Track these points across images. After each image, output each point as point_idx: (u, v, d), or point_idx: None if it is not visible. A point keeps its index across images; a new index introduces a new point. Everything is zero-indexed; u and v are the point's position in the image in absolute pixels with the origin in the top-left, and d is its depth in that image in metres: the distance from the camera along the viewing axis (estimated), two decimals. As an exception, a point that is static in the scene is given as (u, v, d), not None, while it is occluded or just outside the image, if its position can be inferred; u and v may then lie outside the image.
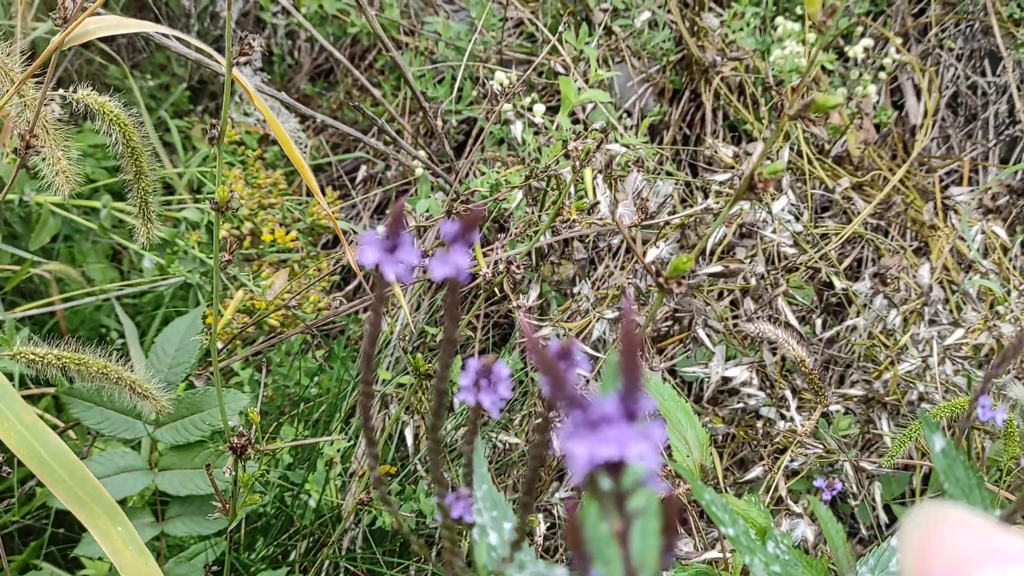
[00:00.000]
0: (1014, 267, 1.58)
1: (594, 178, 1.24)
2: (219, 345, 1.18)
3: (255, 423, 0.65)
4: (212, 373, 1.01)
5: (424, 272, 1.15)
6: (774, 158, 1.33)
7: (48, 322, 1.53)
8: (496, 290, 1.51)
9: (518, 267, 0.70)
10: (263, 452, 0.62)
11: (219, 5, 1.92)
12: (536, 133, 1.44)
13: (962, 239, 1.49)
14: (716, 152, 1.39)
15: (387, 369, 1.36)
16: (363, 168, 1.91)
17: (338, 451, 1.15)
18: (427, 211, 1.21)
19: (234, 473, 0.62)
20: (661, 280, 0.46)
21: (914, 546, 0.23)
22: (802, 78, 0.50)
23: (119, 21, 0.67)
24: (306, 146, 1.77)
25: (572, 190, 1.19)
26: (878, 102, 1.91)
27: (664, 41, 1.82)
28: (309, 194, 1.58)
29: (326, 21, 2.04)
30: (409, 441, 1.29)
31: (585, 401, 0.24)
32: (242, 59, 0.60)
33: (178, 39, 0.87)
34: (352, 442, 1.23)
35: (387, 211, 1.70)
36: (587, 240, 1.34)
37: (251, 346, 1.18)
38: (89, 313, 1.56)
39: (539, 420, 0.37)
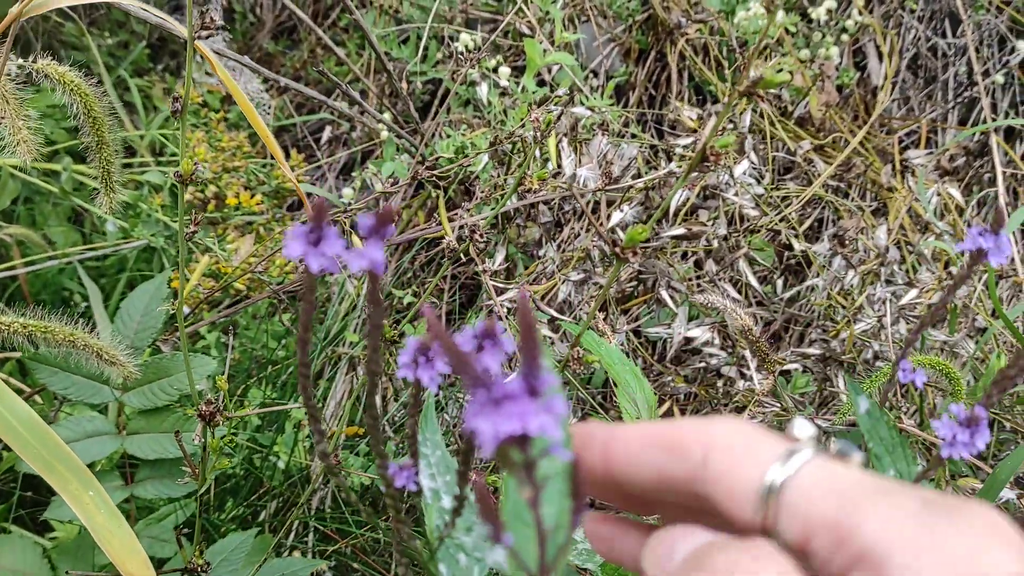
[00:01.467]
0: (968, 227, 1.61)
1: (559, 142, 1.25)
2: (185, 310, 1.18)
3: (223, 390, 0.66)
4: (179, 338, 1.02)
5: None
6: (736, 121, 1.34)
7: (10, 286, 1.52)
8: (461, 254, 1.52)
9: (481, 235, 0.71)
10: (231, 418, 0.63)
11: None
12: (502, 95, 1.44)
13: (919, 200, 1.52)
14: (680, 116, 1.40)
15: (354, 331, 1.37)
16: (328, 129, 1.89)
17: (306, 414, 1.16)
18: (392, 174, 1.22)
19: (203, 440, 0.63)
20: (618, 250, 0.47)
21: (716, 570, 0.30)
22: (758, 41, 0.51)
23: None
24: (270, 107, 1.76)
25: (538, 153, 1.19)
26: (840, 64, 1.92)
27: (629, 1, 1.82)
28: (274, 156, 1.57)
29: (288, -22, 2.01)
30: (378, 402, 1.30)
31: (489, 380, 0.26)
32: (203, 33, 0.60)
33: (142, 8, 0.86)
34: (320, 404, 1.24)
35: (353, 173, 1.70)
36: (552, 203, 1.35)
37: (217, 310, 1.19)
38: (52, 276, 1.54)
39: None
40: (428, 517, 0.51)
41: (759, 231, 1.36)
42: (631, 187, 1.18)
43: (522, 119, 1.14)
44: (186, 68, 0.60)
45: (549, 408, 0.26)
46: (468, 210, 1.07)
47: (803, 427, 0.33)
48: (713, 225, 1.39)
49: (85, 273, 1.32)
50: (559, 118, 0.75)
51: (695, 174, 1.25)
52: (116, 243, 1.37)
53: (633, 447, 0.34)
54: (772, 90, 0.40)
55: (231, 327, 1.05)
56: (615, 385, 1.39)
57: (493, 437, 0.25)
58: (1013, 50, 1.94)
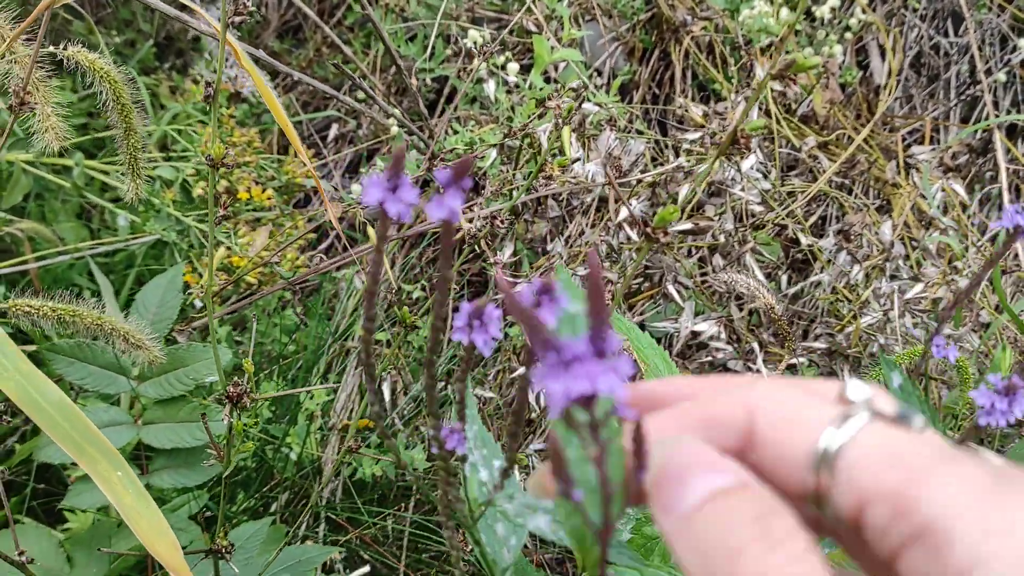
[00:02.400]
0: (972, 224, 1.63)
1: (568, 137, 1.26)
2: (197, 304, 1.19)
3: (249, 371, 0.67)
4: (194, 329, 1.03)
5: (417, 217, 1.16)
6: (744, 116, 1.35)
7: (20, 281, 1.53)
8: (469, 248, 1.53)
9: (501, 221, 0.72)
10: (256, 400, 0.64)
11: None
12: (509, 92, 1.46)
13: (923, 197, 1.53)
14: (687, 111, 1.41)
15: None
16: (335, 127, 1.91)
17: (318, 405, 1.17)
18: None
19: (231, 420, 0.64)
20: (649, 230, 0.48)
21: (657, 462, 0.30)
22: (777, 39, 0.52)
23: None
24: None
25: (549, 145, 1.20)
26: (844, 62, 1.94)
27: (634, 0, 1.83)
28: (282, 152, 1.58)
29: (295, -23, 2.02)
30: (387, 395, 1.31)
31: (558, 343, 0.27)
32: (237, 19, 0.61)
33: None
34: (331, 396, 1.25)
35: (360, 170, 1.71)
36: (560, 198, 1.36)
37: (227, 304, 1.20)
38: (62, 272, 1.55)
39: (521, 368, 0.40)
40: (470, 486, 0.53)
41: (765, 226, 1.37)
42: (640, 181, 1.19)
43: (530, 115, 1.16)
44: (218, 55, 0.61)
45: (616, 369, 0.26)
46: (479, 204, 1.08)
47: (857, 388, 0.31)
48: (720, 220, 1.40)
49: (97, 267, 1.33)
50: (579, 107, 0.76)
51: (703, 166, 1.26)
52: (127, 238, 1.38)
53: (671, 431, 0.32)
54: (804, 72, 0.41)
55: (246, 320, 1.06)
56: (641, 371, 1.40)
57: (564, 397, 0.26)
58: (1015, 48, 1.95)
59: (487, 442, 0.59)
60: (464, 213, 1.08)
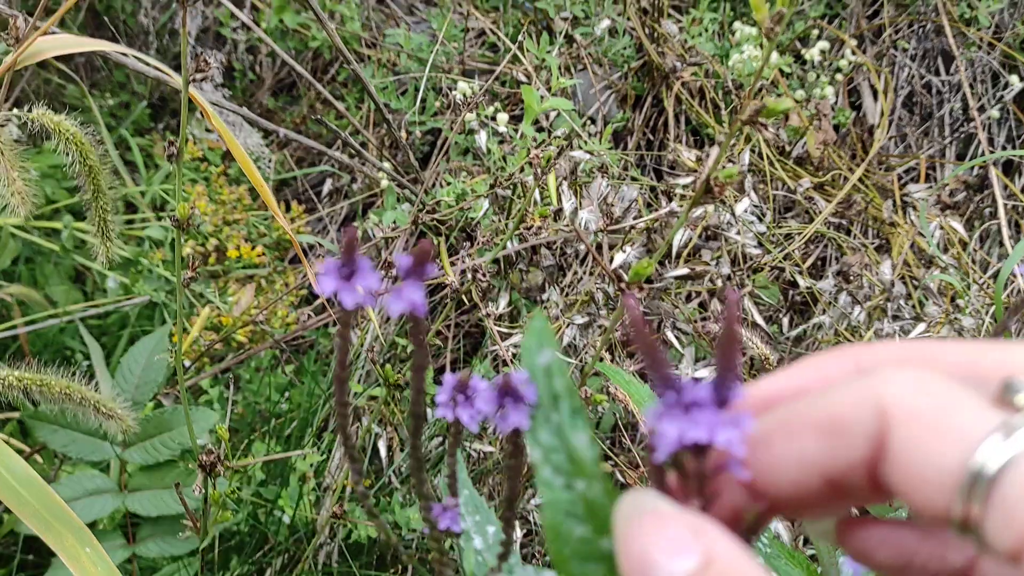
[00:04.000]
0: (973, 261, 1.61)
1: (559, 185, 1.25)
2: (186, 363, 1.17)
3: (224, 439, 0.64)
4: (180, 392, 1.01)
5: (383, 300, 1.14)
6: (735, 160, 1.34)
7: (11, 346, 1.51)
8: (465, 299, 1.51)
9: (483, 275, 0.70)
10: (234, 469, 0.62)
11: (178, 22, 1.91)
12: (501, 142, 1.45)
13: (922, 235, 1.52)
14: (679, 156, 1.40)
15: (359, 382, 1.36)
16: (328, 182, 1.90)
17: (311, 466, 1.15)
18: (394, 222, 1.21)
19: (204, 491, 0.61)
20: (623, 285, 0.47)
21: (618, 540, 0.26)
22: (754, 81, 0.51)
23: (73, 40, 0.67)
24: (270, 161, 1.77)
25: (537, 196, 1.19)
26: (836, 103, 1.94)
27: (625, 48, 1.84)
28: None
29: (287, 36, 2.03)
30: (383, 453, 1.28)
31: (680, 383, 0.25)
32: (198, 76, 0.60)
33: (136, 57, 0.87)
34: (325, 456, 1.22)
35: (353, 223, 1.70)
36: (554, 247, 1.34)
37: (219, 364, 1.17)
38: (53, 336, 1.54)
39: (512, 442, 0.37)
40: (466, 559, 0.50)
41: (763, 269, 1.35)
42: (632, 228, 1.17)
43: (521, 163, 1.15)
44: (181, 113, 0.60)
45: (737, 423, 0.25)
46: (469, 254, 1.06)
47: None
48: (716, 265, 1.38)
49: (87, 331, 1.31)
50: (558, 156, 0.75)
51: (698, 211, 1.25)
52: (117, 299, 1.37)
53: (777, 446, 0.26)
54: (773, 119, 0.40)
55: (233, 380, 1.04)
56: (622, 427, 1.37)
57: (675, 441, 0.25)
58: (1007, 85, 1.95)
59: (480, 507, 0.56)
60: (453, 265, 1.06)
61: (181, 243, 0.62)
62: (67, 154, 0.62)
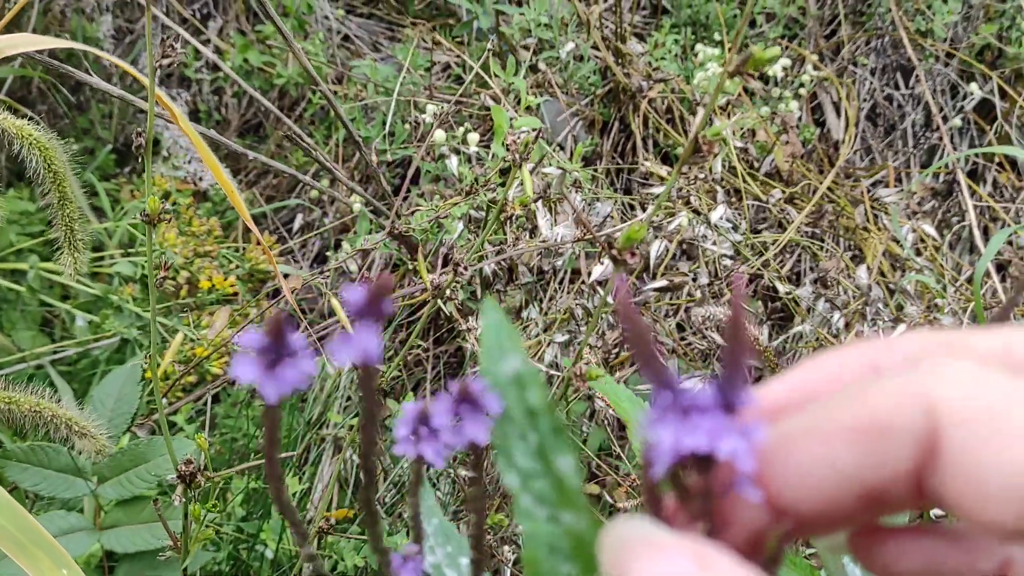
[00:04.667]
0: (942, 266, 1.62)
1: (534, 202, 1.24)
2: (160, 396, 1.13)
3: (204, 449, 0.62)
4: (155, 422, 0.98)
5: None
6: (707, 171, 1.35)
7: (-23, 395, 1.46)
8: (443, 322, 1.49)
9: (466, 268, 0.69)
10: (214, 480, 0.59)
11: (141, 63, 1.90)
12: (471, 164, 1.45)
13: (895, 240, 1.52)
14: (651, 171, 1.40)
15: (338, 412, 1.33)
16: (299, 217, 1.89)
17: (293, 495, 1.11)
18: (364, 243, 1.20)
19: (184, 501, 0.59)
20: (615, 252, 0.45)
21: (609, 568, 0.22)
22: (715, 92, 0.51)
23: (32, 39, 0.65)
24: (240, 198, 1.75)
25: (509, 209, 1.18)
26: (800, 119, 1.96)
27: (592, 73, 1.85)
28: (246, 240, 1.55)
29: (252, 75, 2.03)
30: (373, 499, 1.25)
31: (678, 383, 0.22)
32: (164, 61, 0.59)
33: (107, 63, 0.86)
34: (307, 485, 1.19)
35: (327, 253, 1.68)
36: (532, 265, 1.33)
37: (194, 392, 1.14)
38: (22, 382, 1.49)
39: (472, 477, 0.33)
40: None
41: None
42: (610, 238, 1.17)
43: (494, 171, 1.14)
44: (148, 111, 0.59)
45: (746, 431, 0.21)
46: (444, 272, 1.05)
47: None
48: (694, 277, 1.38)
49: (56, 374, 1.28)
50: (535, 142, 0.74)
51: (674, 223, 1.25)
52: (85, 342, 1.33)
53: (804, 456, 0.23)
54: (762, 66, 0.39)
55: (209, 419, 1.01)
56: (611, 438, 1.34)
57: (671, 450, 0.21)
58: (966, 96, 1.99)
59: (451, 536, 0.52)
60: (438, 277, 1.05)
61: (151, 240, 0.61)
62: (31, 159, 0.60)
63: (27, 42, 0.65)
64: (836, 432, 0.22)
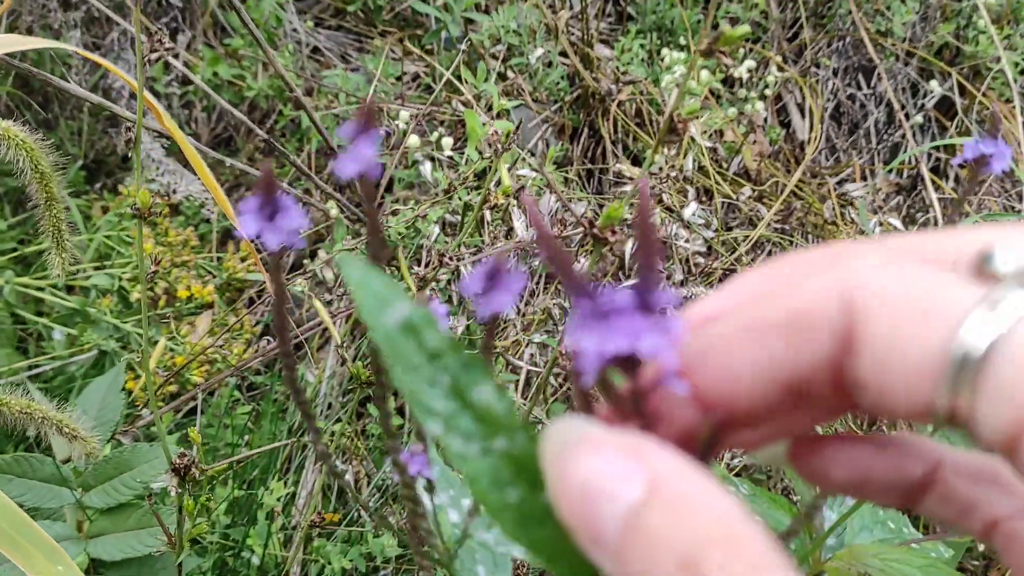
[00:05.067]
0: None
1: (508, 205, 1.26)
2: (139, 406, 1.13)
3: (197, 443, 0.62)
4: (139, 428, 0.98)
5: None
6: (678, 169, 1.37)
7: (-48, 414, 1.45)
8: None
9: (451, 259, 0.70)
10: (206, 472, 0.60)
11: (111, 78, 1.90)
12: (445, 172, 1.46)
13: (862, 233, 1.56)
14: (622, 171, 1.42)
15: (320, 418, 1.33)
16: (274, 228, 1.89)
17: (279, 500, 1.12)
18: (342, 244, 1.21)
19: (179, 491, 0.59)
20: (595, 231, 0.47)
21: (549, 480, 0.23)
22: (679, 91, 0.52)
23: (16, 39, 0.66)
24: (212, 212, 1.75)
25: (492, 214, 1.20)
26: (767, 120, 2.00)
27: (561, 79, 1.87)
28: (222, 251, 1.55)
29: (222, 88, 2.03)
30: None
31: (596, 290, 0.22)
32: (153, 55, 0.60)
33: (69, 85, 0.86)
34: (291, 489, 1.19)
35: (304, 261, 1.69)
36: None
37: (177, 405, 1.14)
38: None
39: (485, 342, 0.35)
40: (444, 529, 0.48)
41: (713, 273, 1.37)
42: (583, 237, 1.18)
43: (471, 172, 1.16)
44: (138, 103, 0.60)
45: (665, 327, 0.21)
46: (423, 275, 1.06)
47: (1011, 251, 0.21)
48: (669, 276, 1.40)
49: (34, 387, 1.27)
50: (509, 140, 0.75)
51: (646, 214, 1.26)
52: (63, 354, 1.33)
53: (732, 350, 0.23)
54: (733, 43, 0.40)
55: (199, 412, 1.01)
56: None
57: (596, 356, 0.21)
58: (926, 94, 2.04)
59: (452, 483, 0.55)
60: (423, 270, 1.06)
61: (141, 234, 0.61)
62: (17, 160, 0.60)
63: (10, 42, 0.65)
64: (759, 329, 0.23)
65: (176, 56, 2.00)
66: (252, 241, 0.26)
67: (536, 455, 0.24)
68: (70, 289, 1.39)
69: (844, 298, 0.22)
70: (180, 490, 0.59)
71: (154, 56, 0.61)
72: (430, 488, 0.45)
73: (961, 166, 0.34)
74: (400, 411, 1.47)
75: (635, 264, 0.23)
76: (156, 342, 1.16)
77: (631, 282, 0.23)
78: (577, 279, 0.22)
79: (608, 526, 0.20)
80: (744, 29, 0.42)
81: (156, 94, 2.08)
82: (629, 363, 0.22)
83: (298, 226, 0.27)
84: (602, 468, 0.21)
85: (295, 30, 2.10)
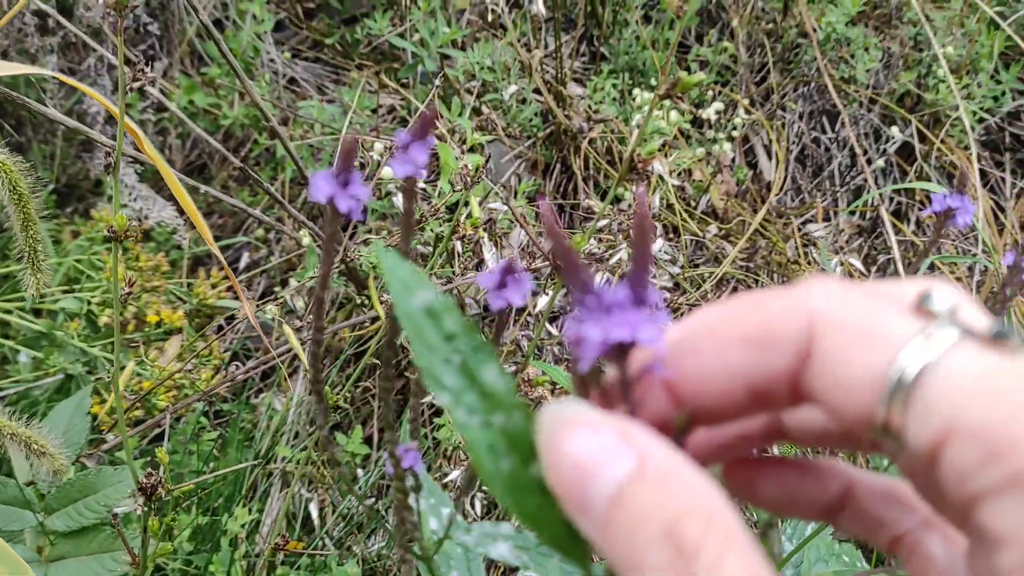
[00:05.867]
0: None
1: (479, 237, 1.28)
2: (104, 431, 1.13)
3: (163, 462, 0.63)
4: (104, 452, 0.98)
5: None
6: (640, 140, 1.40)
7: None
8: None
9: (425, 263, 0.72)
10: (173, 492, 0.60)
11: (87, 102, 1.90)
12: (418, 200, 1.48)
13: (824, 272, 1.60)
14: (592, 206, 1.45)
15: (287, 445, 1.33)
16: (245, 255, 1.89)
17: (242, 526, 1.11)
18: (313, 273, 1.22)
19: (144, 510, 0.59)
20: (639, 163, 0.48)
21: (545, 454, 0.25)
22: (643, 125, 0.55)
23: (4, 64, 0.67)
24: (184, 238, 1.75)
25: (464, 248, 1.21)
26: (734, 160, 2.04)
27: (534, 115, 1.91)
28: (192, 277, 1.55)
29: (197, 116, 2.04)
30: (315, 515, 1.26)
31: (599, 287, 0.26)
32: (135, 84, 0.61)
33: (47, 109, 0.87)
34: (256, 517, 1.19)
35: (275, 289, 1.69)
36: (479, 298, 1.36)
37: (143, 429, 1.14)
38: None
39: (496, 330, 0.38)
40: (424, 524, 0.51)
41: (679, 310, 1.40)
42: (552, 269, 1.21)
43: (442, 203, 1.17)
44: (118, 128, 0.61)
45: (655, 319, 0.25)
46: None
47: (942, 296, 0.25)
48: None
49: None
50: (479, 174, 0.77)
51: (615, 258, 1.29)
52: (28, 377, 1.32)
53: (706, 356, 0.27)
54: (690, 89, 0.42)
55: (154, 459, 1.01)
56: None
57: (601, 343, 0.25)
58: (888, 139, 2.09)
59: (434, 491, 0.57)
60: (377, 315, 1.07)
61: (117, 258, 0.62)
62: (-4, 181, 0.61)
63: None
64: (731, 339, 0.27)
65: (152, 83, 2.01)
66: (324, 205, 0.30)
67: (529, 433, 0.27)
68: (37, 312, 1.39)
69: (804, 318, 0.25)
70: (146, 509, 0.59)
71: (136, 85, 0.62)
72: (417, 488, 0.47)
73: (929, 216, 0.37)
74: (368, 441, 1.47)
75: (631, 265, 0.26)
76: (124, 366, 1.16)
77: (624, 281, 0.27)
78: (584, 279, 0.26)
79: (597, 497, 0.24)
80: (700, 76, 0.44)
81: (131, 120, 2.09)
82: (622, 351, 0.26)
83: (364, 197, 0.31)
84: (595, 445, 0.24)
85: (272, 60, 2.12)
